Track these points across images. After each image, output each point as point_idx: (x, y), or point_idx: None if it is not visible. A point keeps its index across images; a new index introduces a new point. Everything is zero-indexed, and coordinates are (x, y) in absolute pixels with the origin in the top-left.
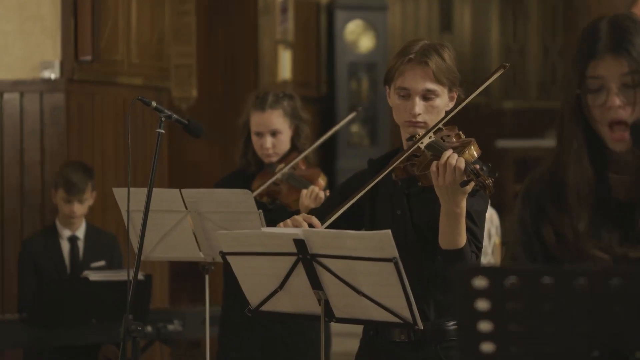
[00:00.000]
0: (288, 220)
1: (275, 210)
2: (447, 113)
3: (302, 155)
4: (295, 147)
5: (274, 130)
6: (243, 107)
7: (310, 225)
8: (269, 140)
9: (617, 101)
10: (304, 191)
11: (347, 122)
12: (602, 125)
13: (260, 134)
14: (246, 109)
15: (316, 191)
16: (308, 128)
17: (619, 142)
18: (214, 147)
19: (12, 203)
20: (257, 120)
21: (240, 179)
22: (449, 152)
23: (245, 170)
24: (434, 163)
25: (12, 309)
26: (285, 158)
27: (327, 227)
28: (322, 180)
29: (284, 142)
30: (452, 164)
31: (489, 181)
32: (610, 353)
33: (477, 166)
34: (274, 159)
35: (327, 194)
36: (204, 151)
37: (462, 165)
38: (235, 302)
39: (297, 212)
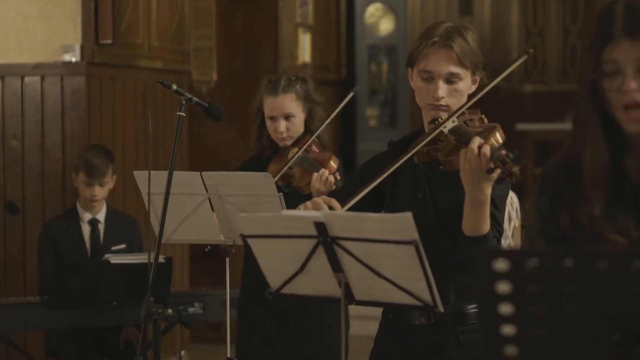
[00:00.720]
0: (308, 203)
1: (289, 194)
2: (470, 97)
3: (313, 137)
4: (309, 130)
5: (288, 114)
6: (258, 90)
7: (331, 208)
8: (282, 124)
9: (633, 85)
10: (315, 174)
11: (345, 103)
12: (618, 109)
13: (274, 118)
14: (259, 93)
15: (326, 175)
16: (321, 110)
17: (634, 124)
18: (234, 130)
19: (33, 186)
20: (271, 104)
21: (256, 163)
22: (477, 139)
23: (260, 154)
24: (462, 151)
25: (34, 292)
26: (299, 141)
27: (348, 210)
28: (333, 163)
29: (298, 125)
30: (477, 151)
31: (516, 169)
32: (632, 336)
33: (504, 153)
34: (289, 142)
35: (337, 176)
36: (223, 134)
37: (488, 152)
38: (254, 285)
39: (310, 196)
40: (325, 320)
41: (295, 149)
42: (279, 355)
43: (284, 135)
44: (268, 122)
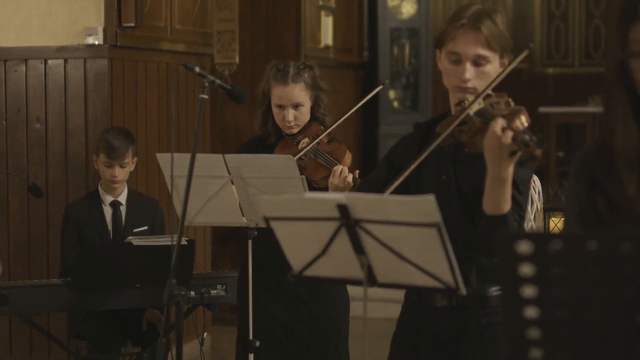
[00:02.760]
0: None
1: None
2: (498, 85)
3: (327, 131)
4: (315, 118)
5: (296, 104)
6: (264, 75)
7: None
8: (291, 113)
9: None
10: (334, 170)
11: (371, 96)
12: None
13: (282, 107)
14: (265, 79)
15: (345, 173)
16: (327, 98)
17: None
18: (256, 113)
19: (57, 169)
20: (279, 93)
21: (261, 147)
22: (500, 120)
23: (265, 139)
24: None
25: (58, 274)
26: (306, 129)
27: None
28: (347, 159)
29: (305, 113)
30: (500, 132)
31: (538, 152)
32: None
33: (527, 137)
34: (295, 130)
35: (356, 175)
36: (246, 117)
37: (510, 135)
38: (256, 267)
39: (323, 189)
40: (332, 300)
41: (306, 139)
42: (286, 337)
43: (292, 123)
44: (275, 110)
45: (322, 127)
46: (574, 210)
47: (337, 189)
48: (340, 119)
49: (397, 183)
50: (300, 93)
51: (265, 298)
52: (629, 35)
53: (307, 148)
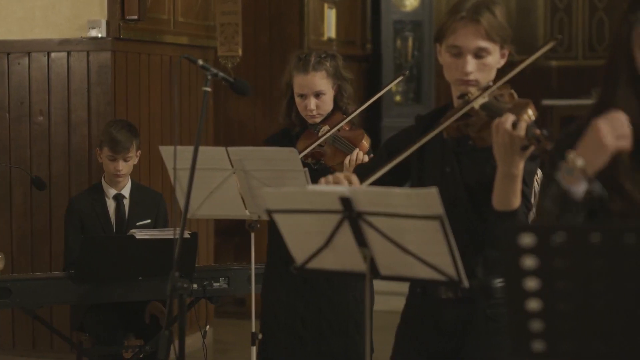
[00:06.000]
0: (329, 176)
1: (319, 171)
2: (499, 77)
3: (347, 119)
4: (338, 107)
5: (318, 92)
6: (287, 66)
7: (349, 182)
8: (312, 102)
9: None
10: (348, 157)
11: (393, 85)
12: None
13: (303, 96)
14: (288, 70)
15: (360, 157)
16: (351, 87)
17: None
18: (259, 106)
19: (60, 162)
20: (301, 82)
21: (286, 139)
22: (510, 116)
23: (289, 130)
24: (494, 123)
25: (60, 266)
26: (328, 118)
27: (371, 184)
28: (365, 142)
29: (328, 102)
30: (510, 127)
31: (550, 147)
32: None
33: (538, 132)
34: (318, 119)
35: (371, 157)
36: (249, 109)
37: (523, 130)
38: (279, 259)
39: None
40: (352, 294)
41: (326, 127)
42: (306, 330)
43: (314, 112)
44: (298, 99)
45: (344, 116)
46: (556, 194)
47: None
48: (359, 107)
49: (384, 170)
50: (321, 81)
51: (288, 292)
52: None
53: (326, 135)
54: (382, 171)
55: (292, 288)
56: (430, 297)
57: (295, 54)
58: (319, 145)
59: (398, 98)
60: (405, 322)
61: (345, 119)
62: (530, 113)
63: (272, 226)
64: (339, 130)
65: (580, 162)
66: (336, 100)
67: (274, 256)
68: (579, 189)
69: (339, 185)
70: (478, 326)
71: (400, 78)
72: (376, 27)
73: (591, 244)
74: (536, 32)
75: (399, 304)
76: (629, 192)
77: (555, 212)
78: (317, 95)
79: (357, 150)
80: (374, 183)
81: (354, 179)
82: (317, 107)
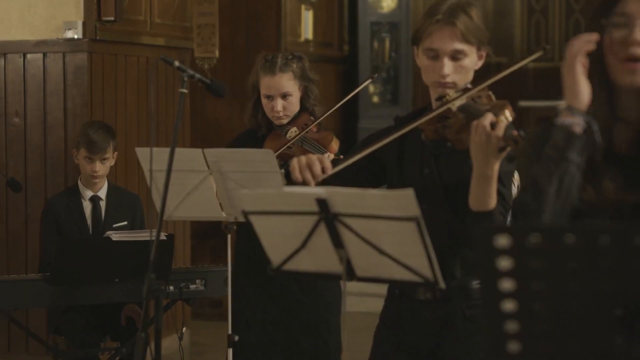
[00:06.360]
0: (302, 157)
1: (287, 172)
2: (475, 77)
3: (317, 121)
4: (304, 108)
5: (285, 93)
6: (253, 67)
7: (323, 168)
8: (280, 103)
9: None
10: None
11: (362, 88)
12: (618, 60)
13: (270, 97)
14: (254, 71)
15: (331, 158)
16: (317, 89)
17: (630, 75)
18: (236, 107)
19: (36, 163)
20: (268, 83)
21: (252, 140)
22: (489, 115)
23: (255, 131)
24: (473, 124)
25: (36, 268)
26: (295, 119)
27: (348, 183)
28: (334, 145)
29: (294, 103)
30: (489, 127)
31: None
32: (633, 311)
33: (515, 133)
34: (285, 120)
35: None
36: (226, 111)
37: (502, 132)
38: (248, 260)
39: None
40: (322, 295)
41: (294, 129)
42: (276, 331)
43: (281, 114)
44: (264, 101)
45: (311, 117)
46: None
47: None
48: (329, 110)
49: (356, 158)
50: (288, 82)
51: (256, 293)
52: (616, 8)
53: (295, 137)
54: (356, 157)
55: (261, 289)
56: (408, 299)
57: (261, 55)
58: (288, 147)
59: (375, 99)
60: (384, 323)
61: (311, 120)
62: (508, 114)
63: (239, 227)
64: (307, 131)
65: (565, 103)
66: (302, 101)
67: (242, 257)
68: (576, 120)
69: (316, 187)
70: (457, 327)
71: (369, 81)
72: (353, 28)
73: (566, 245)
74: (513, 34)
75: (375, 305)
76: (605, 188)
77: (557, 156)
78: (284, 96)
79: (326, 152)
80: (351, 185)
81: (327, 162)
82: (284, 108)
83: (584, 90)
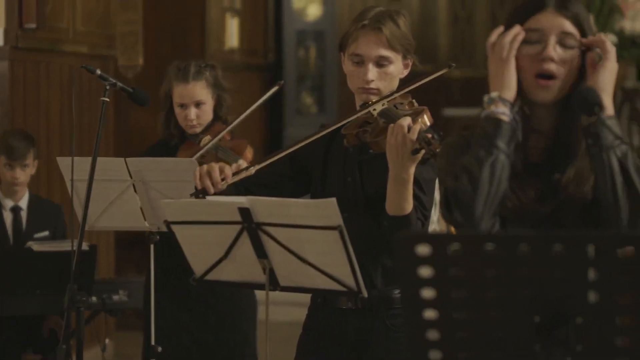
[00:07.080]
0: (204, 166)
1: None
2: (401, 86)
3: (229, 127)
4: (218, 117)
5: (198, 102)
6: (165, 76)
7: (222, 173)
8: (193, 112)
9: (552, 52)
10: (233, 165)
11: (269, 96)
12: (530, 75)
13: (184, 106)
14: (167, 80)
15: (244, 165)
16: (229, 98)
17: (542, 91)
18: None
19: None
20: (181, 91)
21: (164, 150)
22: (407, 118)
23: (168, 141)
24: (390, 126)
25: None
26: (208, 128)
27: (271, 193)
28: (248, 153)
29: (207, 112)
30: (406, 128)
31: (440, 149)
32: (551, 318)
33: (429, 135)
34: (198, 129)
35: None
36: (150, 119)
37: (416, 133)
38: (161, 271)
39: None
40: (238, 305)
41: (208, 137)
42: (191, 341)
43: (194, 122)
44: (178, 110)
45: (225, 126)
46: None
47: None
48: (240, 117)
49: (274, 159)
50: (201, 91)
51: (172, 304)
52: (528, 23)
53: (209, 145)
54: (276, 157)
55: (177, 300)
56: (331, 307)
57: (174, 64)
58: (201, 155)
59: (301, 108)
60: (307, 332)
61: (225, 128)
62: (426, 118)
63: (160, 237)
64: (221, 140)
65: (495, 94)
66: (216, 110)
67: (159, 268)
68: (505, 110)
69: (239, 197)
70: (379, 336)
71: (276, 88)
72: (279, 36)
73: (486, 253)
74: (437, 42)
75: (300, 314)
76: (526, 196)
77: (487, 144)
78: (198, 105)
79: (241, 159)
80: (274, 194)
81: (227, 170)
82: (198, 117)
83: (514, 82)
